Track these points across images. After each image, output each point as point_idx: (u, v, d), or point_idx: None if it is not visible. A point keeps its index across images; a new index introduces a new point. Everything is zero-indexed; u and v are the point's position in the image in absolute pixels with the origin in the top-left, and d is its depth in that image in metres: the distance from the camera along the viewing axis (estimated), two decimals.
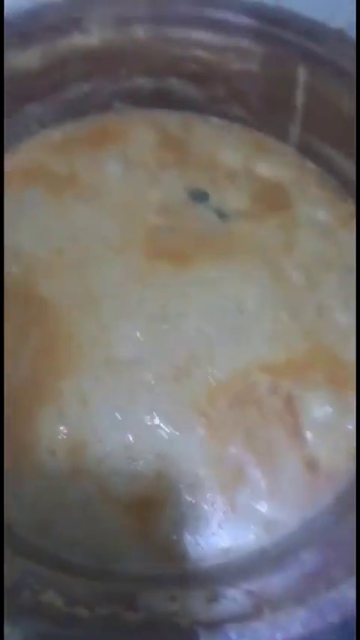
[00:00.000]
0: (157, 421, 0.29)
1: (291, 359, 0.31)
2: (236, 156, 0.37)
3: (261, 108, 0.37)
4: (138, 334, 0.31)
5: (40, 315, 0.32)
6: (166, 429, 0.29)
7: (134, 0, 0.34)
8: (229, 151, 0.37)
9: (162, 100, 0.38)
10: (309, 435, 0.30)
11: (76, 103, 0.37)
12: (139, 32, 0.34)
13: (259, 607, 0.22)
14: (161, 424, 0.29)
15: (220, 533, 0.27)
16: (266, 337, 0.32)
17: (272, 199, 0.36)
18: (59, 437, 0.29)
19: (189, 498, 0.28)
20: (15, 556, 0.23)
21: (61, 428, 0.29)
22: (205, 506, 0.28)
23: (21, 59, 0.33)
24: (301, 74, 0.33)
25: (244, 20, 0.33)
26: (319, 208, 0.35)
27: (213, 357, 0.31)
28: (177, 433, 0.29)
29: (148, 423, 0.29)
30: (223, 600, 0.23)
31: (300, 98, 0.34)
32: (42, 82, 0.35)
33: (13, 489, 0.27)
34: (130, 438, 0.29)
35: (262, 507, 0.28)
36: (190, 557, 0.27)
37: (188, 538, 0.27)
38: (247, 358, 0.31)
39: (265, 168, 0.37)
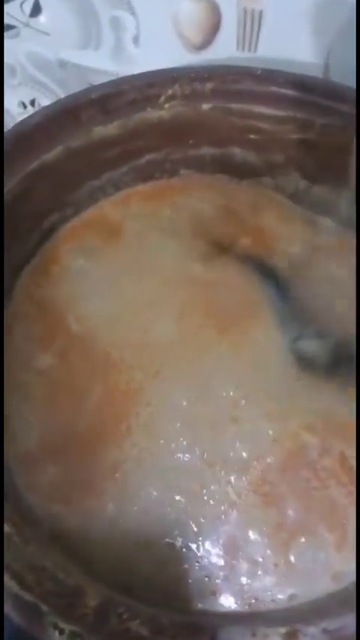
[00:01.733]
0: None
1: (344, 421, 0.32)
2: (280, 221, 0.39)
3: (315, 173, 0.39)
4: (184, 399, 0.32)
5: (102, 369, 0.33)
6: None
7: (202, 79, 0.37)
8: (275, 215, 0.40)
9: (223, 166, 0.41)
10: None
11: (146, 169, 0.40)
12: (205, 107, 0.38)
13: None
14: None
15: (287, 583, 0.28)
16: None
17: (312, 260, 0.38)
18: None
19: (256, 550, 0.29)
20: (95, 582, 0.24)
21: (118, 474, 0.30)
22: (274, 560, 0.29)
23: (102, 131, 0.36)
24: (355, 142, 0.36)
25: (303, 95, 0.36)
26: None
27: (259, 422, 0.32)
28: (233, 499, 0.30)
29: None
30: (302, 637, 0.23)
31: (352, 164, 0.37)
32: (118, 151, 0.38)
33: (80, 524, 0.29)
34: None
35: (329, 560, 0.29)
36: (262, 600, 0.27)
37: (258, 583, 0.28)
38: (297, 422, 0.31)
39: (309, 234, 0.39)
